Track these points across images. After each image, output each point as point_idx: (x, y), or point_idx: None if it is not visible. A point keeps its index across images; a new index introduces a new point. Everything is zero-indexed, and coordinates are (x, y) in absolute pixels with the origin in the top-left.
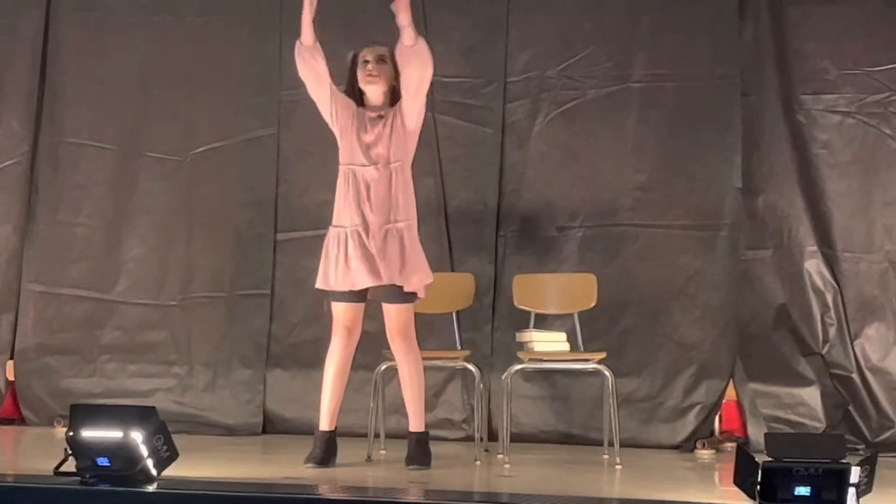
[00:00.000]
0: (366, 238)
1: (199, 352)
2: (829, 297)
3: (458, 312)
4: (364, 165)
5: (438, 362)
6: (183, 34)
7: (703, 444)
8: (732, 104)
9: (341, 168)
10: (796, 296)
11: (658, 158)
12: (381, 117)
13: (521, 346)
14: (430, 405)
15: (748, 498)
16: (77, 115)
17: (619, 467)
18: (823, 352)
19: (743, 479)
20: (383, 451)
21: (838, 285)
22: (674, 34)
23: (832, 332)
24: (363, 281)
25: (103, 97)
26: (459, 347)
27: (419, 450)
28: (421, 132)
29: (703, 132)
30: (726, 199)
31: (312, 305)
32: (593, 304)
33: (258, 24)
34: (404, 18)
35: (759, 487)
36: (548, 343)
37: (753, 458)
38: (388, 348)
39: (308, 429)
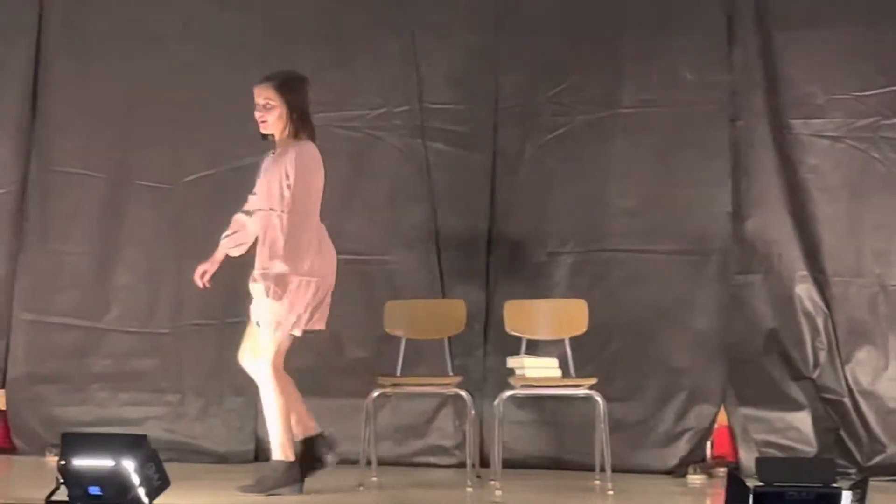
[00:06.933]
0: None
1: (191, 380)
2: (820, 322)
3: (449, 338)
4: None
5: (430, 388)
6: (168, 62)
7: (695, 470)
8: (721, 129)
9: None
10: (786, 320)
11: (647, 184)
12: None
13: (513, 371)
14: (421, 431)
15: None
16: (66, 144)
17: (610, 493)
18: (814, 376)
19: None
20: (374, 478)
21: (828, 309)
22: (662, 60)
23: (822, 356)
24: None
25: (92, 126)
26: (451, 373)
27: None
28: (408, 158)
29: (691, 158)
30: (715, 225)
31: None
32: (584, 330)
33: (242, 50)
34: None
35: None
36: (539, 369)
37: (745, 483)
38: (382, 375)
39: None
